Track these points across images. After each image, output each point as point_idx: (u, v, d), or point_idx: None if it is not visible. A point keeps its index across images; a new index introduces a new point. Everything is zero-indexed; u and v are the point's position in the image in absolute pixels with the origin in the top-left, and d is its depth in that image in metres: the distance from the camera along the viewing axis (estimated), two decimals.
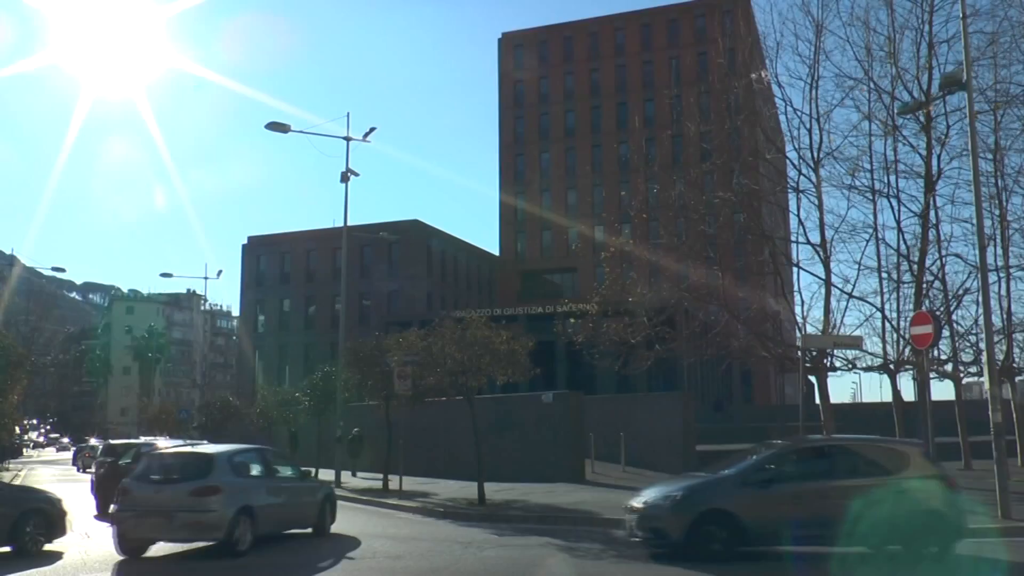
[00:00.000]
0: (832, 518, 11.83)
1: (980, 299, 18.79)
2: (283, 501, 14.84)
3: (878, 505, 11.92)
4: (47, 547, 13.93)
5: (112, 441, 30.79)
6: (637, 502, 12.83)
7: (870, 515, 11.82)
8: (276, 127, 28.95)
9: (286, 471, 15.76)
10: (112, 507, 13.42)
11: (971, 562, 12.11)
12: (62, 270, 47.13)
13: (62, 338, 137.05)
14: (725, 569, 11.48)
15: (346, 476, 29.31)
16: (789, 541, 12.14)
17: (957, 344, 26.39)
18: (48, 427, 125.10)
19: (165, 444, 22.76)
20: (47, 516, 14.10)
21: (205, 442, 29.38)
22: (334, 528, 16.17)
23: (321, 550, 13.97)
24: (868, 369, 26.47)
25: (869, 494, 12.05)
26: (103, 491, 20.91)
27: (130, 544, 13.28)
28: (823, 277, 25.10)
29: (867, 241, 25.70)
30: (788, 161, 26.95)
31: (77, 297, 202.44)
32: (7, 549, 13.52)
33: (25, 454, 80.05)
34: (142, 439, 29.12)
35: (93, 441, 63.31)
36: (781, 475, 12.59)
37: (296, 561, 13.22)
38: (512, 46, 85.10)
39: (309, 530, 15.61)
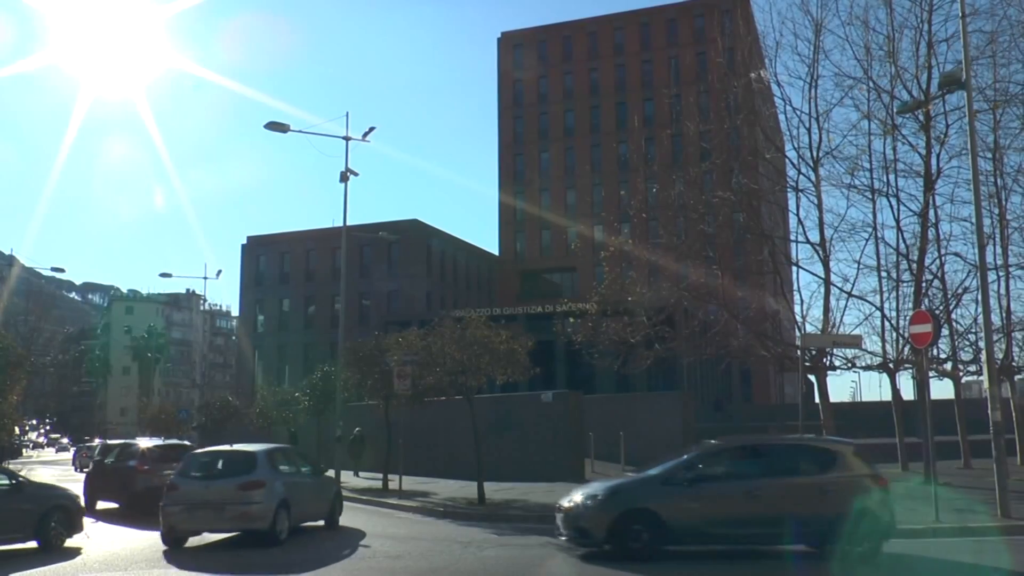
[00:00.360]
0: (759, 518, 11.95)
1: (979, 298, 18.81)
2: (307, 495, 16.06)
3: (805, 504, 12.03)
4: (68, 543, 14.57)
5: (108, 441, 31.15)
6: (566, 501, 12.94)
7: (797, 514, 11.95)
8: (275, 127, 28.94)
9: (306, 468, 16.89)
10: (161, 503, 14.56)
11: (898, 560, 12.20)
12: (61, 270, 47.12)
13: (61, 338, 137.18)
14: (661, 568, 11.67)
15: (347, 476, 29.30)
16: (715, 540, 12.29)
17: (956, 343, 26.41)
18: (47, 427, 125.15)
19: (146, 443, 23.27)
20: (68, 512, 14.77)
21: (187, 441, 30.20)
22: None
23: (337, 540, 15.19)
24: (867, 368, 26.49)
25: (797, 493, 12.21)
26: (90, 488, 21.90)
27: (178, 535, 14.42)
28: (822, 276, 25.13)
29: (866, 240, 25.75)
30: (787, 160, 26.97)
31: (76, 297, 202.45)
32: (33, 544, 14.08)
33: (24, 455, 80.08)
34: (120, 441, 29.83)
35: (95, 441, 63.36)
36: (707, 475, 12.61)
37: (323, 549, 14.24)
38: (511, 46, 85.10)
39: (321, 522, 16.87)
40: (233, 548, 14.41)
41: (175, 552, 13.88)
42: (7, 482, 14.37)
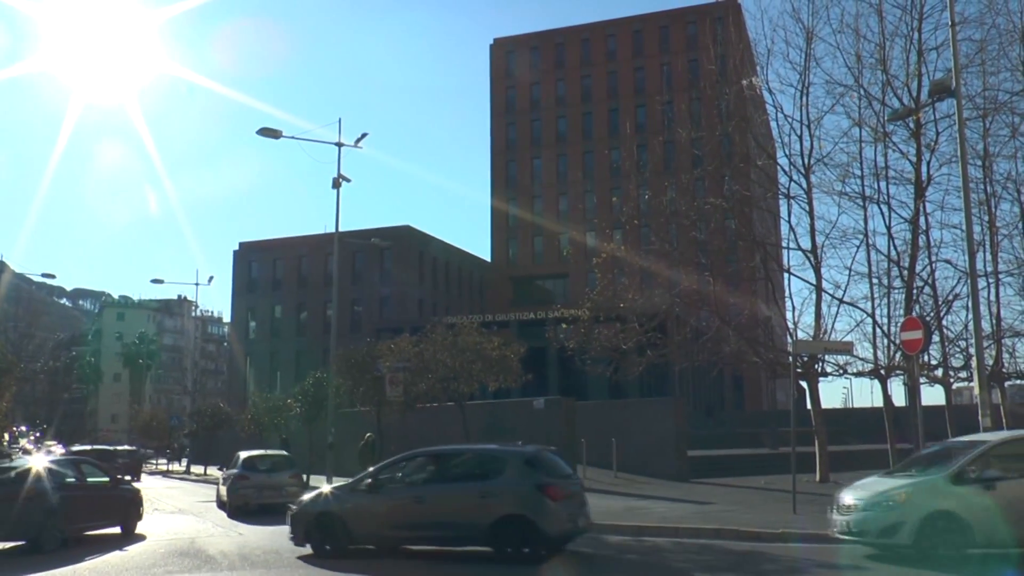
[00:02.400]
0: (428, 522, 13.05)
1: (970, 304, 18.85)
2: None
3: (466, 509, 12.92)
4: (138, 529, 17.94)
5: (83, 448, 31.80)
6: (293, 504, 15.07)
7: (459, 518, 12.88)
8: (267, 132, 28.93)
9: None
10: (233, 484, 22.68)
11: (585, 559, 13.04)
12: (52, 276, 46.76)
13: (52, 344, 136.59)
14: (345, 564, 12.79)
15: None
16: (391, 542, 13.52)
17: (947, 349, 26.45)
18: (38, 434, 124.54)
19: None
20: (138, 504, 18.35)
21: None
22: None
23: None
24: (859, 374, 26.52)
25: (459, 499, 13.14)
26: None
27: (243, 507, 22.28)
28: (814, 283, 25.20)
29: (858, 247, 25.82)
30: (779, 167, 27.05)
31: (67, 303, 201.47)
32: (117, 529, 17.34)
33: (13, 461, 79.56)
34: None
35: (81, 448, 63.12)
36: (388, 481, 13.87)
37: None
38: (504, 52, 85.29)
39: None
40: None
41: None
42: (106, 479, 17.84)
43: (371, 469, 14.69)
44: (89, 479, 17.37)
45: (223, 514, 22.16)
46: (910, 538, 11.92)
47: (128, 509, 17.82)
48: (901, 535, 11.99)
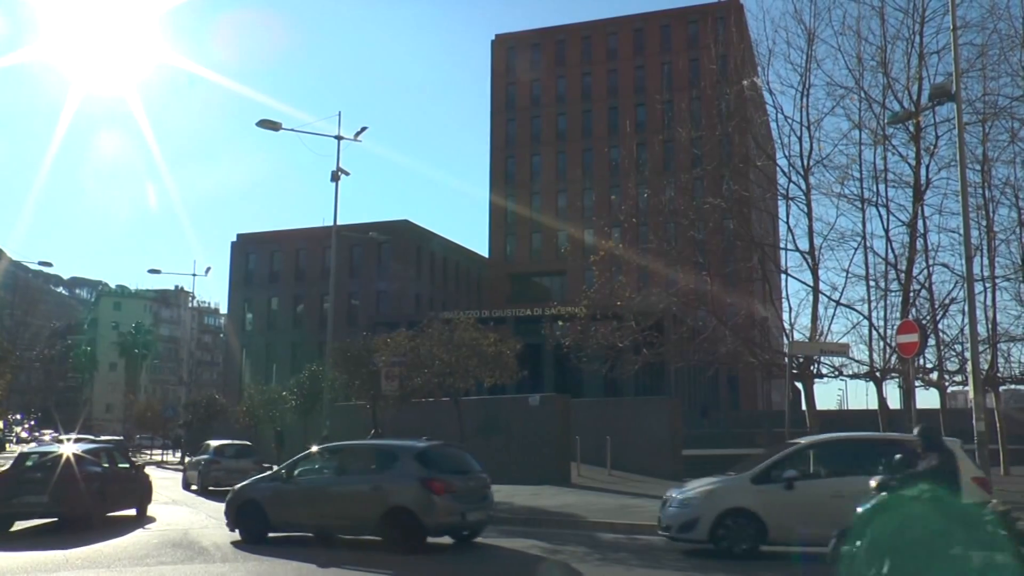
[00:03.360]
0: (333, 511, 14.05)
1: (966, 309, 18.87)
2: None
3: (360, 500, 13.82)
4: (148, 511, 19.84)
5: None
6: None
7: (355, 508, 13.85)
8: (267, 124, 28.88)
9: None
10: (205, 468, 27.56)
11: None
12: (49, 264, 46.57)
13: (48, 333, 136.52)
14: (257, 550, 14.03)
15: None
16: (306, 529, 14.66)
17: (943, 353, 26.49)
18: (32, 422, 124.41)
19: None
20: (150, 489, 20.31)
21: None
22: None
23: None
24: (854, 376, 26.56)
25: (354, 491, 14.02)
26: None
27: (213, 486, 26.46)
28: (811, 284, 25.20)
29: (855, 249, 25.84)
30: (778, 168, 27.05)
31: (64, 292, 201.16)
32: (132, 512, 19.07)
33: (8, 449, 79.59)
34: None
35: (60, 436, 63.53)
36: (302, 473, 15.03)
37: None
38: (505, 48, 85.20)
39: None
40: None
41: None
42: (127, 466, 19.78)
43: (288, 461, 16.05)
44: (118, 465, 19.52)
45: (217, 505, 22.23)
46: (705, 534, 12.74)
47: (144, 494, 19.77)
48: (697, 531, 12.81)
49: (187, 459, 30.49)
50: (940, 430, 10.75)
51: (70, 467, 16.78)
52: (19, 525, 17.13)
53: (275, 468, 17.24)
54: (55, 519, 17.01)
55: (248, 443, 31.17)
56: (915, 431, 10.05)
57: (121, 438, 51.82)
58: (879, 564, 9.04)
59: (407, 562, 12.64)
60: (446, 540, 14.30)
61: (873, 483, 9.73)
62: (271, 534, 14.64)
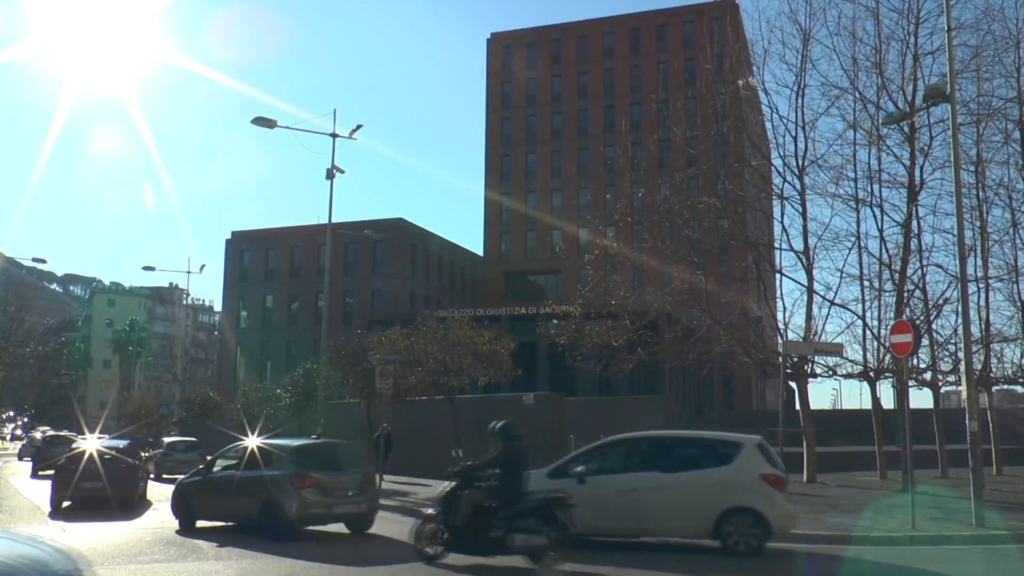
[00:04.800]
0: (237, 505, 15.59)
1: (960, 309, 18.93)
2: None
3: (249, 494, 15.21)
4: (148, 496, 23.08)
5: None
6: None
7: (248, 502, 15.24)
8: (262, 122, 28.79)
9: None
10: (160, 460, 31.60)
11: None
12: (43, 261, 46.65)
13: (41, 330, 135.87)
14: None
15: None
16: (220, 519, 16.29)
17: (936, 353, 26.60)
18: (26, 419, 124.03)
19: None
20: (147, 481, 24.02)
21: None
22: None
23: None
24: (848, 376, 26.66)
25: (247, 485, 15.34)
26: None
27: (167, 472, 30.94)
28: (806, 284, 25.27)
29: (850, 249, 25.93)
30: (773, 168, 27.11)
31: (58, 289, 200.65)
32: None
33: (1, 446, 79.48)
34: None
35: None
36: (219, 470, 16.55)
37: None
38: (501, 46, 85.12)
39: None
40: None
41: None
42: (133, 461, 21.78)
43: (208, 458, 17.76)
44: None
45: None
46: None
47: (146, 485, 23.50)
48: None
49: (146, 453, 31.83)
50: (515, 427, 11.97)
51: (117, 460, 20.94)
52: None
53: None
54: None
55: (195, 439, 36.16)
56: (496, 427, 11.81)
57: (141, 437, 53.34)
58: (442, 535, 11.61)
59: (277, 547, 13.58)
60: (341, 529, 15.62)
61: (454, 470, 11.99)
62: (199, 523, 16.38)
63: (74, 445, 24.87)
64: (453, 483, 11.65)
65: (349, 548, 14.09)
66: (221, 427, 38.97)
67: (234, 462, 16.42)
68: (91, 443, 23.13)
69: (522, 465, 11.84)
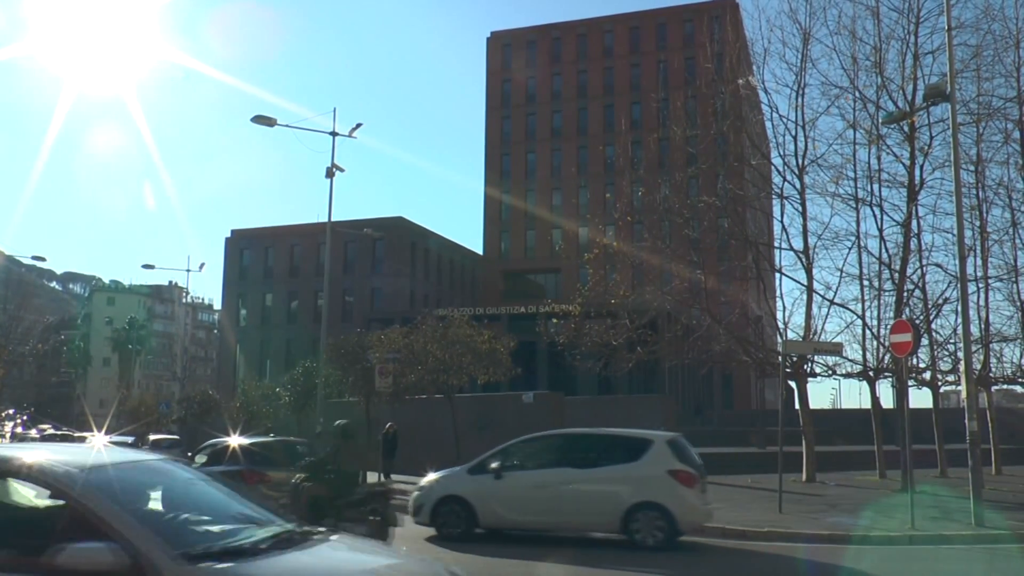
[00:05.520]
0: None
1: (959, 309, 18.93)
2: None
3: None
4: None
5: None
6: None
7: None
8: (262, 120, 28.81)
9: None
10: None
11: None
12: (42, 259, 46.58)
13: (41, 328, 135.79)
14: None
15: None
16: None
17: (936, 353, 26.59)
18: (25, 417, 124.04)
19: None
20: None
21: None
22: None
23: None
24: (848, 376, 26.66)
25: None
26: None
27: None
28: (805, 283, 25.26)
29: (849, 249, 25.92)
30: (773, 167, 27.09)
31: (57, 287, 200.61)
32: None
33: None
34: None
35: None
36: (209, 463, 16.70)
37: None
38: (501, 45, 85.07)
39: None
40: None
41: None
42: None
43: (189, 455, 19.02)
44: None
45: None
46: (427, 518, 14.17)
47: None
48: (422, 515, 14.26)
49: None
50: (354, 428, 12.28)
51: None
52: None
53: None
54: None
55: (177, 437, 38.47)
56: (337, 425, 12.07)
57: (177, 436, 54.10)
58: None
59: None
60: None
61: (302, 463, 12.61)
62: None
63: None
64: (302, 475, 12.16)
65: None
66: (208, 427, 39.39)
67: (205, 459, 17.40)
68: (99, 440, 23.71)
69: (356, 462, 12.44)
